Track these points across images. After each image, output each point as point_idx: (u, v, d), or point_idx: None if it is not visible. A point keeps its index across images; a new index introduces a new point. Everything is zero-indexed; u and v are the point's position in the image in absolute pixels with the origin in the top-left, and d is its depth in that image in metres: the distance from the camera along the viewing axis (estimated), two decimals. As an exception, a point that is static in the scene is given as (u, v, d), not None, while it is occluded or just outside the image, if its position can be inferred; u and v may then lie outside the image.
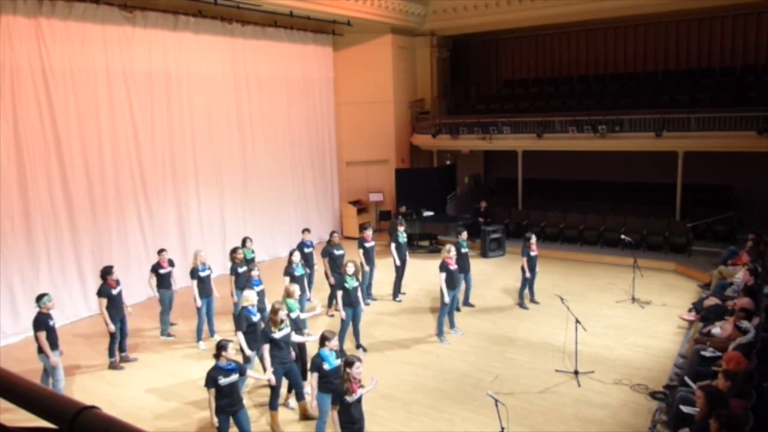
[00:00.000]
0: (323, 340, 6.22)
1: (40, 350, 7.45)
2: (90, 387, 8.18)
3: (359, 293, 8.93)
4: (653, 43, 16.87)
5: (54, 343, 7.47)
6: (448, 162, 18.07)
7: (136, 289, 11.45)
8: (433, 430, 6.77)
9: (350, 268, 8.76)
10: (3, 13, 9.48)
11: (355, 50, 16.87)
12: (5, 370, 1.20)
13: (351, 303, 8.78)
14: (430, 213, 15.75)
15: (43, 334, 7.32)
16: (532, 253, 10.57)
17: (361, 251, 11.04)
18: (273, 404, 6.90)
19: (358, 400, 5.54)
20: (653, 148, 14.06)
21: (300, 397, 7.13)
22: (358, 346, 9.13)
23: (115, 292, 8.59)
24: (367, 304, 10.81)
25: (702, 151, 13.42)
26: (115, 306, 8.60)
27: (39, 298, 7.56)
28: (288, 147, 15.35)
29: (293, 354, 7.13)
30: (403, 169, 17.11)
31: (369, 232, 11.20)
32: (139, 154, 11.85)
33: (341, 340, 8.68)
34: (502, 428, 5.30)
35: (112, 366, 8.76)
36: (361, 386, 5.60)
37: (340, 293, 8.73)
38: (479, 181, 18.91)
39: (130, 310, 9.14)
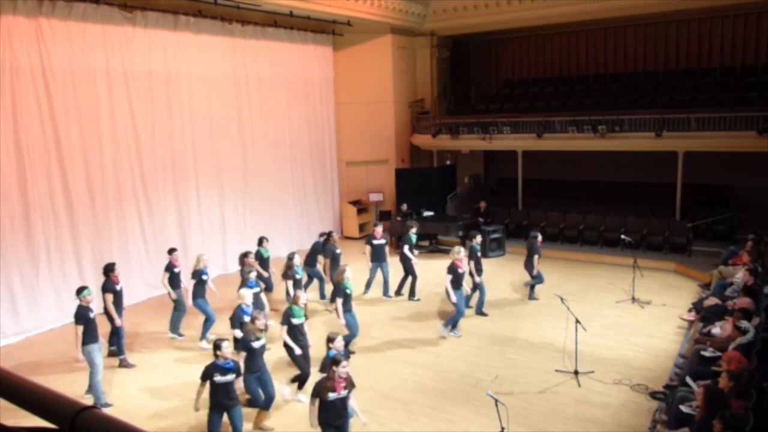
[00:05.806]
0: (328, 340, 6.37)
1: (85, 342, 7.41)
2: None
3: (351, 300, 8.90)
4: (653, 43, 16.85)
5: (94, 336, 7.48)
6: (448, 162, 18.06)
7: (137, 289, 11.46)
8: (433, 430, 6.76)
9: (348, 273, 8.68)
10: (3, 13, 9.47)
11: (355, 50, 16.86)
12: (5, 370, 1.20)
13: (350, 308, 8.75)
14: (430, 213, 15.74)
15: (80, 328, 7.36)
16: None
17: (368, 248, 10.99)
18: (253, 405, 6.92)
19: (342, 399, 5.53)
20: (653, 148, 14.06)
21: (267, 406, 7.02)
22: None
23: (118, 288, 8.65)
24: (389, 296, 11.30)
25: (702, 151, 13.41)
26: (118, 302, 8.64)
27: (79, 291, 7.58)
28: (288, 147, 15.35)
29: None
30: (403, 169, 17.11)
31: (379, 229, 11.05)
32: (139, 154, 11.84)
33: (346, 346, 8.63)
34: (502, 428, 5.30)
35: (124, 364, 8.70)
36: (347, 388, 5.54)
37: (340, 300, 8.56)
38: (479, 181, 18.89)
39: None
